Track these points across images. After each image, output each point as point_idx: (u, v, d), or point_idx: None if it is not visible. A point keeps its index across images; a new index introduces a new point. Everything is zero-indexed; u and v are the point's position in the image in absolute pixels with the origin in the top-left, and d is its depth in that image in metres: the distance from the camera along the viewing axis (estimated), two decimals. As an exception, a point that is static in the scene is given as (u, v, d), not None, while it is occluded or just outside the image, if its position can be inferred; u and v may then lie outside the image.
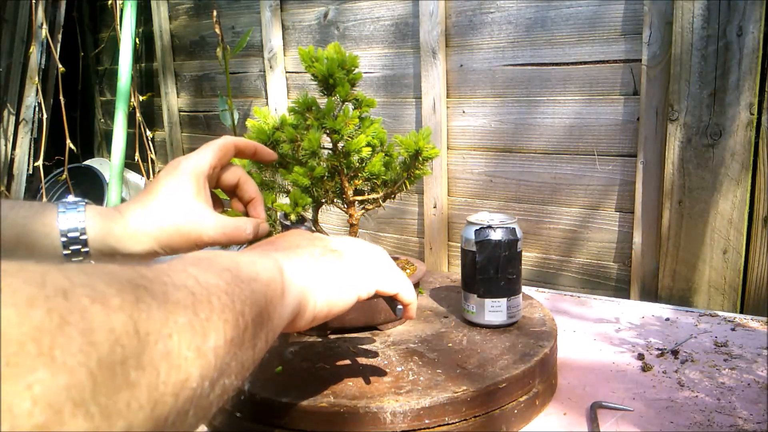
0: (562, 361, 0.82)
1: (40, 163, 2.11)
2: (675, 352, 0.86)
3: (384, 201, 0.82)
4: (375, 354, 0.72)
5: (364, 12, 1.62)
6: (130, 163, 2.21)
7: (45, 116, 2.11)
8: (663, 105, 1.19)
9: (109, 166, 2.02)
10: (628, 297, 1.30)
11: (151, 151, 2.24)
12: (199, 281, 0.33)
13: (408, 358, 0.70)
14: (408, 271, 0.84)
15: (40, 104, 2.14)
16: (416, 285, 0.84)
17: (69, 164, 2.09)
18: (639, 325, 0.98)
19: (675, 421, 0.68)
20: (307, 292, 0.47)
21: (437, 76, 1.48)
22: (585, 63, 1.30)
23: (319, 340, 0.77)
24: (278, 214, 0.75)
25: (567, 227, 1.38)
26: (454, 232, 1.56)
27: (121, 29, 1.98)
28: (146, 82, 2.29)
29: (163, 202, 0.60)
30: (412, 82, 1.56)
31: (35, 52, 2.12)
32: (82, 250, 0.58)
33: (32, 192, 2.25)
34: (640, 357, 0.85)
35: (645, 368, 0.81)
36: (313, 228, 0.76)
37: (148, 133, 2.23)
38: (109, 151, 2.14)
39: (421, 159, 0.78)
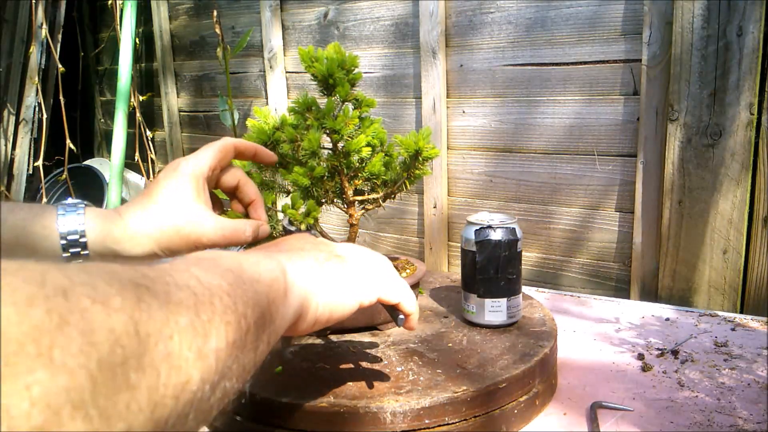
0: (562, 361, 0.82)
1: (40, 163, 2.10)
2: (675, 352, 0.86)
3: (384, 201, 0.82)
4: (375, 354, 0.72)
5: (364, 12, 1.62)
6: (130, 163, 2.21)
7: (45, 116, 2.11)
8: (663, 105, 1.19)
9: (109, 166, 2.01)
10: (628, 297, 1.30)
11: (151, 151, 2.24)
12: (201, 282, 0.33)
13: (408, 358, 0.70)
14: (408, 270, 0.84)
15: (40, 104, 2.14)
16: (416, 285, 0.84)
17: (69, 164, 2.08)
18: (639, 325, 0.98)
19: (675, 421, 0.68)
20: (310, 295, 0.46)
21: (437, 76, 1.48)
22: (585, 63, 1.30)
23: (319, 340, 0.77)
24: (284, 220, 0.75)
25: (567, 227, 1.38)
26: (454, 232, 1.56)
27: (121, 29, 1.98)
28: (146, 82, 2.29)
29: (163, 204, 0.60)
30: (412, 82, 1.56)
31: (35, 52, 2.11)
32: (82, 252, 0.57)
33: (32, 192, 2.25)
34: (640, 357, 0.85)
35: (645, 368, 0.81)
36: (317, 232, 0.75)
37: (148, 133, 2.23)
38: (109, 151, 2.14)
39: (421, 159, 0.78)
